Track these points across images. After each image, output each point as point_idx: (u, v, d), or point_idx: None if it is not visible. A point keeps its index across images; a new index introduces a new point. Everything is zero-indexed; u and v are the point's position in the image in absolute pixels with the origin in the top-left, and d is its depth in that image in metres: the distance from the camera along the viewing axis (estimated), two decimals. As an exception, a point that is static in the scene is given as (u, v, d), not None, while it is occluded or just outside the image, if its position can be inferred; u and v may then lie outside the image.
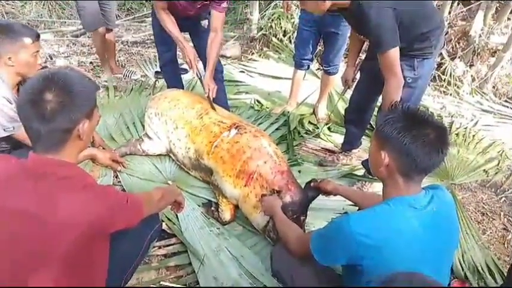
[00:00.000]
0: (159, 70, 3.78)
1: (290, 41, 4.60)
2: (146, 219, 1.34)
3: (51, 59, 4.07)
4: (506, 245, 2.28)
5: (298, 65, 3.15)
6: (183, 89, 3.02)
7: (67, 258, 1.07)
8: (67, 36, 4.67)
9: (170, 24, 2.44)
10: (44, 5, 4.69)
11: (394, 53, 1.88)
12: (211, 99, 2.49)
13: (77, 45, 4.51)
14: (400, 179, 1.19)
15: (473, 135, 3.28)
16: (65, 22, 5.07)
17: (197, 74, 2.55)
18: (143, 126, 2.79)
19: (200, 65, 2.69)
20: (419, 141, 1.12)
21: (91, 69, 3.99)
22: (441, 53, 4.05)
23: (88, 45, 4.50)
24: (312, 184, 1.97)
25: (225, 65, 4.10)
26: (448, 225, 1.23)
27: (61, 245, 1.05)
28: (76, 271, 1.10)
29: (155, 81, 3.40)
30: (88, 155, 2.03)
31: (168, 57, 2.84)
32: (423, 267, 1.14)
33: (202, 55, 2.66)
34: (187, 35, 2.77)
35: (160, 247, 1.99)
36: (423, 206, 1.17)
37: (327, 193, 1.93)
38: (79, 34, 4.81)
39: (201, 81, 2.56)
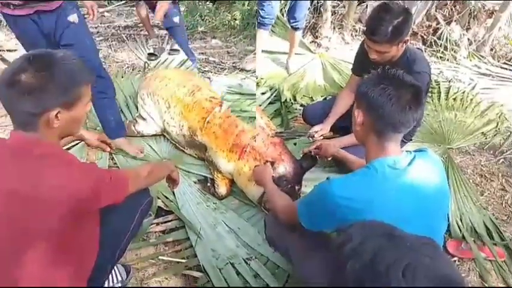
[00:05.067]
0: (152, 52, 3.77)
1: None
2: (135, 194, 1.35)
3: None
4: (504, 205, 2.28)
5: (262, 24, 3.18)
6: None
7: (52, 235, 1.07)
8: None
9: None
10: None
11: None
12: None
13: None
14: (375, 138, 1.19)
15: (471, 99, 3.25)
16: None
17: None
18: (136, 107, 2.78)
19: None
20: (385, 95, 1.12)
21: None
22: (436, 18, 3.97)
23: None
24: (312, 151, 2.00)
25: (244, 78, 3.65)
26: (435, 184, 1.20)
27: (46, 222, 1.05)
28: (63, 247, 1.11)
29: (145, 63, 3.38)
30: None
31: None
32: (413, 226, 1.13)
33: None
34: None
35: (157, 224, 2.00)
36: (404, 167, 1.16)
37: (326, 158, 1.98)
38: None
39: None
